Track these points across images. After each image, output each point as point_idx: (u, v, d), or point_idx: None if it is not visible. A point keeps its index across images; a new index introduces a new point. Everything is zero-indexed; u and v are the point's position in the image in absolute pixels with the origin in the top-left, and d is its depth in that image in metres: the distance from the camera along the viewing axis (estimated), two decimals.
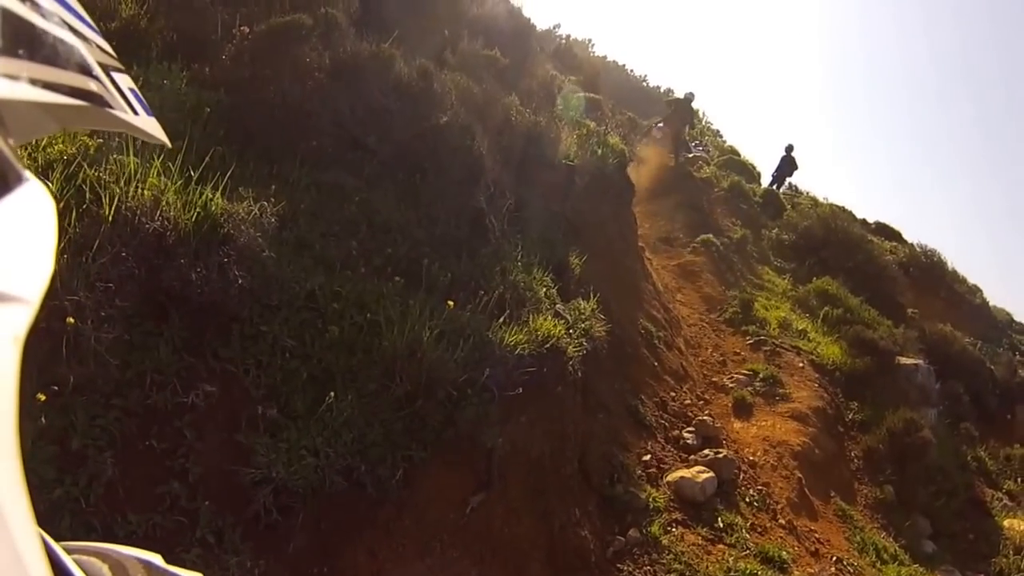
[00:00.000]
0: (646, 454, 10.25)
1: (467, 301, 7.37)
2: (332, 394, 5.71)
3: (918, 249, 27.58)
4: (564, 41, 26.85)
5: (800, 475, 11.95)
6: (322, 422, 5.62)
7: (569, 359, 8.14)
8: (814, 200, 29.45)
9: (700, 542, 9.19)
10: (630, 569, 8.24)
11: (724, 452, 10.93)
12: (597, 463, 9.10)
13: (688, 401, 12.46)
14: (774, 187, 28.35)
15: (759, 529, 10.11)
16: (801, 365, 15.76)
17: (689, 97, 26.26)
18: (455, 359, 6.53)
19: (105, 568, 0.82)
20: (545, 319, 7.98)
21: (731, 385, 14.06)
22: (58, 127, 0.82)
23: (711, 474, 10.14)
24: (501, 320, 7.38)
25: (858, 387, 16.29)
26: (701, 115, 33.77)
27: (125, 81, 0.88)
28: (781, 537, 10.22)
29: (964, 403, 19.30)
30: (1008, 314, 30.99)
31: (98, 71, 0.78)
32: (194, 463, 4.99)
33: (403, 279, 7.14)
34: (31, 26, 0.63)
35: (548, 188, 11.64)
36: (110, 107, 0.79)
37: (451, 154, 8.94)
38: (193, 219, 5.50)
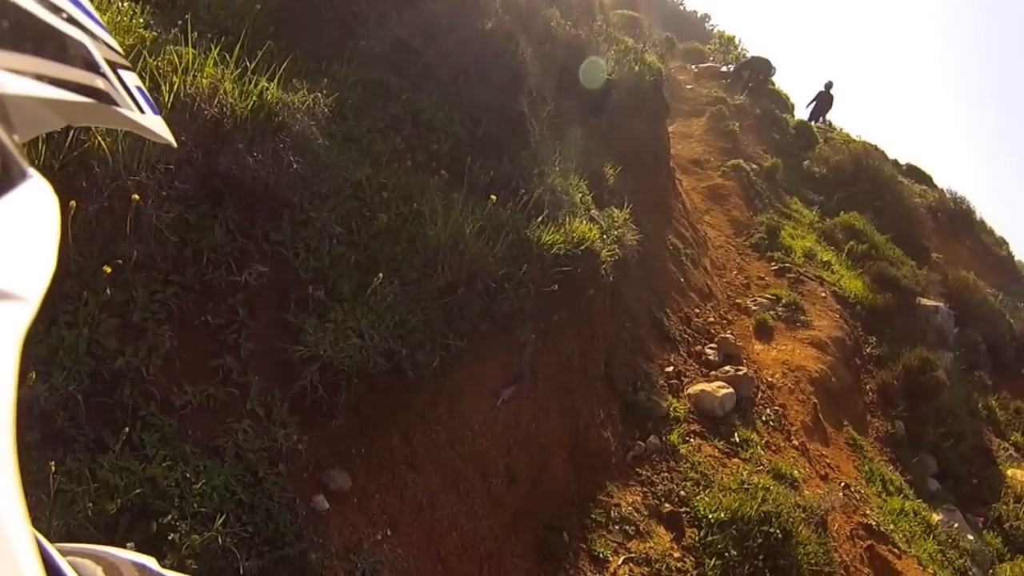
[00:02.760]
0: (669, 365, 10.40)
1: (507, 199, 7.46)
2: (380, 276, 5.82)
3: (948, 195, 27.43)
4: None
5: (816, 401, 12.10)
6: (367, 305, 5.73)
7: (602, 263, 8.23)
8: (847, 136, 29.05)
9: (717, 454, 9.38)
10: (648, 474, 8.42)
11: (744, 370, 11.09)
12: (622, 369, 9.25)
13: (712, 319, 12.58)
14: (810, 122, 28.10)
15: (773, 447, 10.27)
16: (823, 295, 15.84)
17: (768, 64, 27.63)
18: (495, 253, 6.66)
19: (99, 570, 0.81)
20: (581, 222, 8.05)
21: (754, 308, 14.15)
22: (63, 123, 0.81)
23: (730, 390, 10.30)
24: (539, 220, 7.47)
25: (877, 322, 16.39)
26: (737, 42, 33.18)
27: (132, 79, 0.87)
28: (794, 457, 10.38)
29: (980, 352, 19.36)
30: None
31: (105, 68, 0.77)
32: (246, 339, 5.12)
33: (447, 175, 7.27)
34: (38, 21, 0.63)
35: (586, 99, 11.67)
36: (116, 105, 0.78)
37: (495, 59, 8.94)
38: (249, 107, 5.57)
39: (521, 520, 6.93)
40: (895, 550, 10.43)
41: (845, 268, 17.77)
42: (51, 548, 0.69)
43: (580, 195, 8.98)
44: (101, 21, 0.81)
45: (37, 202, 0.57)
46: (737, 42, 32.88)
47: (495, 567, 6.47)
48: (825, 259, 17.68)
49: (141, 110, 0.85)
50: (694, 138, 20.89)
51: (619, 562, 7.25)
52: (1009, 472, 16.08)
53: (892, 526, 10.97)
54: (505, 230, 6.91)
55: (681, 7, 40.91)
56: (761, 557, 8.07)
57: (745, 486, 8.77)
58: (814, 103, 28.55)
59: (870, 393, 14.71)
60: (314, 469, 5.27)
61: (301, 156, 5.82)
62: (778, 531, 8.26)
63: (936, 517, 12.39)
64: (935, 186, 28.62)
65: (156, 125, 0.89)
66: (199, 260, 5.03)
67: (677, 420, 9.41)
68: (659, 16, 30.62)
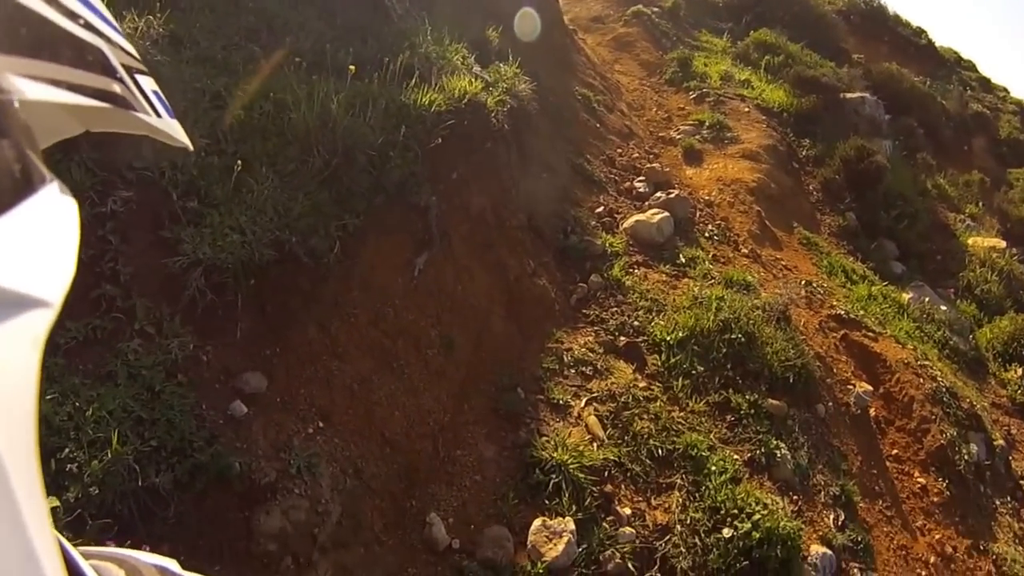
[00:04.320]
0: (598, 207, 10.12)
1: (374, 72, 7.20)
2: (239, 164, 5.72)
3: None
4: None
5: (759, 208, 11.93)
6: (244, 203, 5.59)
7: (490, 112, 7.91)
8: None
9: (664, 279, 9.17)
10: (596, 312, 8.20)
11: (676, 192, 10.82)
12: (548, 220, 8.99)
13: (636, 155, 12.28)
14: None
15: (722, 260, 10.10)
16: (747, 110, 15.61)
17: None
18: (369, 124, 6.45)
19: (121, 574, 0.82)
20: (460, 80, 7.78)
21: (678, 137, 13.90)
22: (81, 129, 0.80)
23: (666, 214, 10.06)
24: (412, 83, 7.20)
25: (807, 124, 16.22)
26: None
27: (149, 83, 0.86)
28: (745, 265, 10.22)
29: (918, 136, 19.25)
30: (955, 52, 30.39)
31: (122, 73, 0.77)
32: (124, 264, 4.99)
33: (306, 65, 7.04)
34: (56, 27, 0.62)
35: None
36: (133, 109, 0.78)
37: None
38: None
39: (470, 385, 6.73)
40: (870, 334, 10.30)
41: (764, 82, 17.49)
42: (74, 552, 0.70)
43: (460, 57, 8.69)
44: (117, 26, 0.81)
45: (57, 207, 0.57)
46: None
47: (450, 438, 6.27)
48: (743, 78, 17.38)
49: (158, 114, 0.85)
50: None
51: (582, 404, 7.03)
52: (970, 241, 16.14)
53: (863, 312, 10.86)
54: (377, 100, 6.68)
55: None
56: (729, 366, 7.94)
57: (699, 301, 8.58)
58: None
59: (814, 192, 14.56)
60: (226, 377, 5.09)
61: None
62: (740, 336, 8.12)
63: (906, 296, 12.31)
64: None
65: (173, 129, 0.89)
66: None
67: (616, 255, 9.15)
68: None
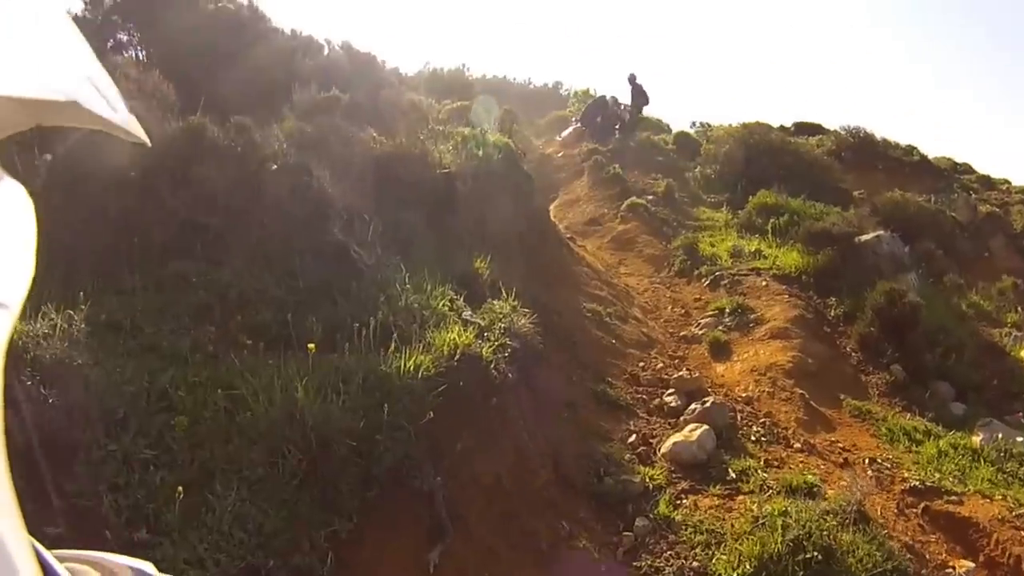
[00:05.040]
0: (630, 435, 9.33)
1: (345, 342, 6.56)
2: (189, 482, 5.13)
3: (843, 132, 27.32)
4: (433, 71, 28.57)
5: (801, 391, 11.15)
6: (204, 526, 4.91)
7: (489, 362, 7.26)
8: (726, 127, 28.99)
9: (717, 502, 8.27)
10: (649, 561, 7.30)
11: (711, 400, 10.03)
12: (577, 464, 8.23)
13: (660, 365, 11.62)
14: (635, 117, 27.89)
15: (776, 463, 9.18)
16: (764, 283, 15.09)
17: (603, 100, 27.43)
18: (344, 406, 5.76)
19: None
20: (449, 332, 7.14)
21: (700, 332, 13.30)
22: (33, 123, 0.73)
23: (705, 427, 9.25)
24: (392, 349, 6.52)
25: (829, 281, 15.56)
26: (592, 92, 33.38)
27: (104, 78, 0.79)
28: (802, 462, 9.31)
29: (939, 257, 18.78)
30: (949, 159, 30.45)
31: (75, 67, 0.73)
32: None
33: (265, 343, 6.49)
34: (7, 23, 0.61)
35: (427, 203, 10.73)
36: (87, 104, 0.72)
37: (289, 196, 8.35)
38: None
39: None
40: (952, 497, 9.31)
41: (775, 247, 17.11)
42: (49, 555, 0.70)
43: (446, 302, 8.09)
44: (71, 21, 0.79)
45: (12, 206, 0.58)
46: (592, 92, 33.09)
47: None
48: (752, 249, 17.03)
49: (113, 109, 0.79)
50: (582, 199, 20.57)
51: None
52: (1023, 354, 15.23)
53: (938, 474, 9.87)
54: (354, 375, 6.06)
55: (530, 86, 41.76)
56: None
57: (761, 522, 7.65)
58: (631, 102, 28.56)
59: (853, 353, 13.76)
60: None
61: (62, 387, 5.16)
62: (816, 553, 7.15)
63: (977, 439, 11.33)
64: (827, 131, 28.57)
65: (128, 124, 0.83)
66: None
67: (659, 488, 8.29)
68: (502, 99, 30.66)
